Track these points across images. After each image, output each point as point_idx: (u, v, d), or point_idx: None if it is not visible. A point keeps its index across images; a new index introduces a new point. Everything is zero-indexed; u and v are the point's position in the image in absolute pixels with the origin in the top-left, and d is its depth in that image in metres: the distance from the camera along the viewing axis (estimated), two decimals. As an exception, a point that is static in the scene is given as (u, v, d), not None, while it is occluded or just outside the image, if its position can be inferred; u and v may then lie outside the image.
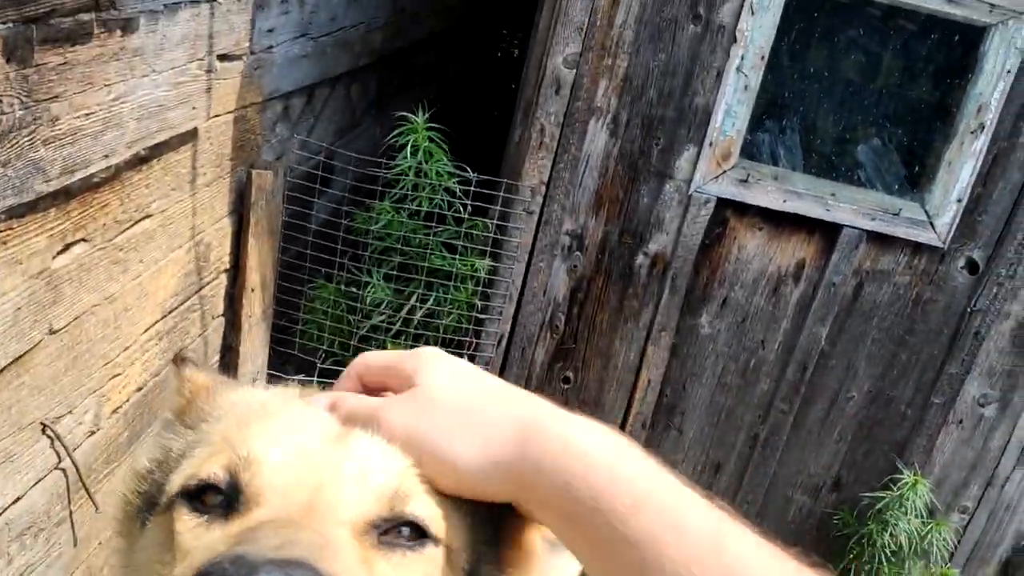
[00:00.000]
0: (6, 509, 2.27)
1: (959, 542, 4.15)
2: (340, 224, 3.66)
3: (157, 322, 3.02)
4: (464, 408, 1.04)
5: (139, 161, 2.61)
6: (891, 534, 3.87)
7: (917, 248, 3.74)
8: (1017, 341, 3.86)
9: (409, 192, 3.57)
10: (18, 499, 2.31)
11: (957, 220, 3.67)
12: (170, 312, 3.10)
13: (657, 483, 0.90)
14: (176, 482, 1.10)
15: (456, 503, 1.07)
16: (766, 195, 3.63)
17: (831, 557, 4.08)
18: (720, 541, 0.84)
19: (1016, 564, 4.20)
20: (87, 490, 2.57)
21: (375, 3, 4.77)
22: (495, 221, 3.64)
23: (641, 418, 4.03)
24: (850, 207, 3.67)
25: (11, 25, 1.86)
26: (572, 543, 0.95)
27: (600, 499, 0.88)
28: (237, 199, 3.48)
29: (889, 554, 3.88)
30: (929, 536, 3.93)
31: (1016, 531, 4.22)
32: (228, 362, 3.72)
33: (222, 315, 3.60)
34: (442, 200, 3.57)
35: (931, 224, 3.69)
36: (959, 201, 3.64)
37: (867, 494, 3.99)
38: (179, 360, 1.42)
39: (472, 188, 3.54)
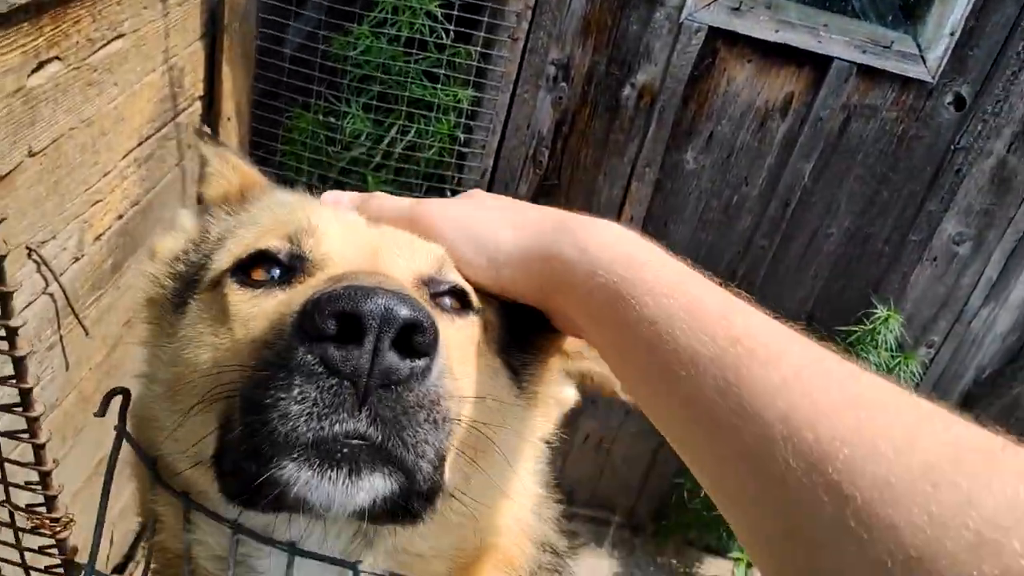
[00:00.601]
0: (-4, 332, 2.25)
1: (924, 374, 4.31)
2: (317, 50, 3.51)
3: (134, 148, 2.93)
4: (508, 207, 1.18)
5: (109, -28, 2.45)
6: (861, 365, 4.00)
7: (906, 83, 3.69)
8: (996, 180, 3.89)
9: (389, 16, 3.41)
10: (7, 322, 2.29)
11: (948, 54, 3.60)
12: (147, 138, 3.00)
13: (670, 268, 1.00)
14: (224, 259, 1.15)
15: (485, 296, 1.17)
16: (758, 24, 3.53)
17: (801, 388, 4.23)
18: (729, 316, 0.90)
19: (975, 396, 4.40)
20: (76, 315, 2.55)
21: None
22: (478, 48, 3.51)
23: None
24: (842, 39, 3.58)
25: None
26: (593, 327, 1.03)
27: (621, 283, 0.96)
28: (210, 20, 3.32)
29: (857, 384, 4.01)
30: (896, 368, 4.07)
31: (978, 365, 4.38)
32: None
33: (198, 145, 3.50)
34: (423, 25, 3.42)
35: (922, 58, 3.62)
36: (952, 34, 3.56)
37: (840, 327, 4.09)
38: (203, 135, 1.43)
39: (455, 13, 3.40)
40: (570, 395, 1.35)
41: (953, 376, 4.38)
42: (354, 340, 0.84)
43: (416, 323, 0.85)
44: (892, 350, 4.03)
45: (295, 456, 0.86)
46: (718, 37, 3.59)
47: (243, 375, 0.92)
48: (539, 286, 1.07)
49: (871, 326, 3.99)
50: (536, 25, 3.50)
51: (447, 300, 1.12)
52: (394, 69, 3.51)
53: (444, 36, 3.44)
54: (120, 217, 2.91)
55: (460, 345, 1.08)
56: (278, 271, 1.08)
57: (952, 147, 3.81)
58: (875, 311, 4.01)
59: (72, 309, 2.52)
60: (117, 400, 1.10)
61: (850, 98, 3.72)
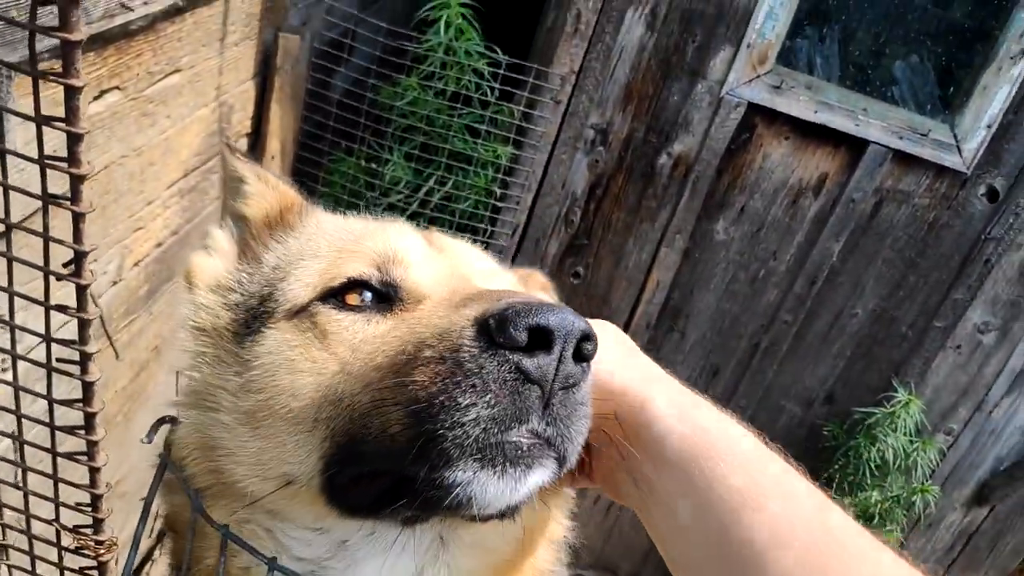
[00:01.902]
0: (32, 349, 2.29)
1: (941, 461, 4.27)
2: (364, 97, 3.60)
3: (179, 180, 3.00)
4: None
5: (174, 12, 2.54)
6: (878, 449, 3.98)
7: (940, 171, 3.73)
8: (1025, 272, 3.90)
9: (437, 70, 3.50)
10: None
11: (984, 146, 3.64)
12: (192, 170, 3.07)
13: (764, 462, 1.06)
14: (299, 290, 1.20)
15: None
16: (798, 104, 3.59)
17: (817, 467, 4.21)
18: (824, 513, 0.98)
19: (992, 486, 4.34)
20: (109, 337, 2.59)
21: None
22: (521, 108, 3.58)
23: (646, 318, 4.08)
24: (880, 123, 3.63)
25: None
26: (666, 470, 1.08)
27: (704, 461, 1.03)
28: (263, 62, 3.41)
29: (874, 468, 3.99)
30: (914, 454, 4.04)
31: (996, 455, 4.34)
32: (242, 228, 3.72)
33: (240, 180, 3.57)
34: (469, 81, 3.51)
35: (958, 148, 3.66)
36: (989, 127, 3.61)
37: (860, 409, 4.08)
38: (234, 150, 1.43)
39: (501, 71, 3.48)
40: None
41: (970, 465, 4.34)
42: (543, 349, 0.93)
43: (589, 334, 0.96)
44: (911, 435, 4.00)
45: (481, 456, 0.94)
46: (757, 113, 3.65)
47: (397, 392, 0.99)
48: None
49: (891, 409, 3.97)
50: (579, 89, 3.58)
51: None
52: (438, 122, 3.59)
53: (489, 93, 3.52)
54: (159, 245, 2.96)
55: None
56: (370, 295, 1.16)
57: (982, 237, 3.83)
58: (896, 395, 4.00)
59: (107, 333, 2.56)
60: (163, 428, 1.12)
61: (884, 182, 3.75)
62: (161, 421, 1.13)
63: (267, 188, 1.43)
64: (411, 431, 0.96)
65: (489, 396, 0.93)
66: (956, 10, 3.71)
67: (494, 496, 0.95)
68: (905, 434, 4.01)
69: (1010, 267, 3.89)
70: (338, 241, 1.27)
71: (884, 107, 3.69)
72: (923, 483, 3.98)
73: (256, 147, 3.59)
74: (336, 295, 1.16)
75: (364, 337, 1.10)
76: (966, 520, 4.49)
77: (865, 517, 3.97)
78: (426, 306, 1.10)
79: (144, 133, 2.63)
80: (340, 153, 3.76)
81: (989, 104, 3.57)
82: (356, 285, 1.17)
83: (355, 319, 1.13)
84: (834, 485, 4.07)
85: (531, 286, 1.51)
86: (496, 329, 0.94)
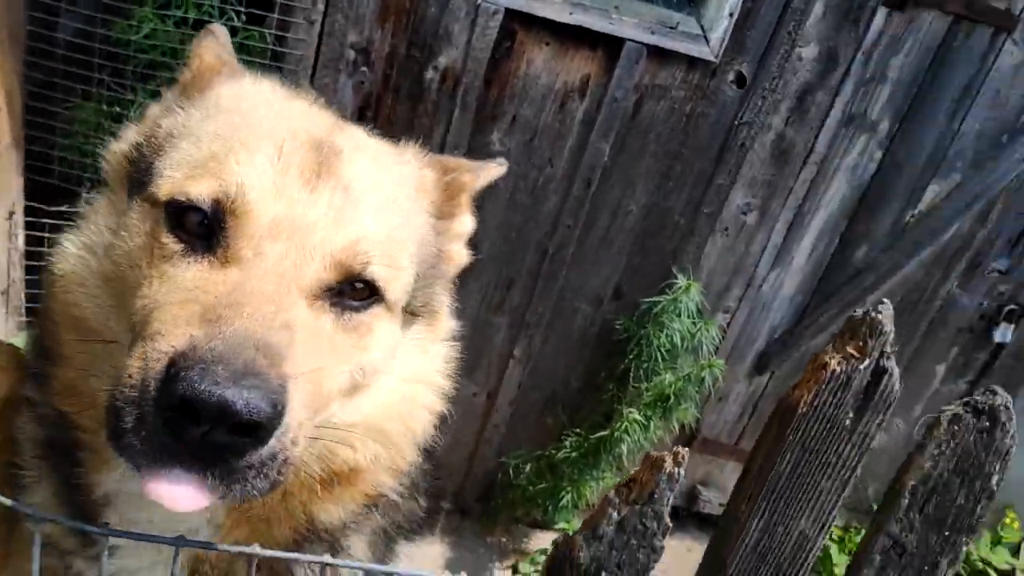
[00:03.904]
0: None
1: (723, 338, 4.58)
2: (95, 35, 3.27)
3: None
4: None
5: None
6: (666, 335, 4.20)
7: (692, 63, 3.90)
8: (776, 152, 4.18)
9: (174, -2, 3.24)
10: None
11: (729, 34, 3.83)
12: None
13: None
14: (164, 183, 1.27)
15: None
16: (553, 7, 3.61)
17: (613, 359, 4.40)
18: None
19: (769, 355, 4.72)
20: None
21: None
22: (273, 31, 3.39)
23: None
24: (632, 21, 3.74)
25: None
26: None
27: None
28: (-32, 2, 3.03)
29: (664, 353, 4.22)
30: (698, 334, 4.30)
31: (770, 327, 4.70)
32: (-25, 194, 3.33)
33: (-38, 140, 3.18)
34: (211, 7, 3.27)
35: (705, 38, 3.84)
36: (731, 15, 3.79)
37: (645, 300, 4.28)
38: (204, 29, 1.53)
39: (246, -6, 3.27)
40: (469, 221, 1.74)
41: (748, 338, 4.68)
42: (193, 422, 1.04)
43: (248, 423, 1.04)
44: (693, 317, 4.25)
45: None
46: (515, 19, 3.64)
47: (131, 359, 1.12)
48: None
49: (673, 296, 4.19)
50: (332, 7, 3.43)
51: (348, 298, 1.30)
52: (183, 54, 3.33)
53: (235, 18, 3.30)
54: None
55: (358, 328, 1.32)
56: (202, 220, 1.22)
57: (735, 123, 4.06)
58: (676, 281, 4.22)
59: None
60: None
61: (642, 79, 3.88)
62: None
63: (199, 50, 1.50)
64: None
65: (144, 433, 1.07)
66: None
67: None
68: (689, 317, 4.25)
69: (762, 149, 4.16)
70: (216, 136, 1.30)
71: (635, 4, 3.79)
72: (710, 359, 4.25)
73: (-24, 100, 3.20)
74: (176, 214, 1.23)
75: (175, 278, 1.20)
76: (751, 389, 4.86)
77: (662, 399, 4.20)
78: (230, 275, 1.18)
79: None
80: (77, 100, 3.42)
81: (728, -7, 3.76)
82: (192, 209, 1.23)
83: (181, 249, 1.22)
84: (630, 374, 4.27)
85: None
86: (162, 384, 1.05)
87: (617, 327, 4.39)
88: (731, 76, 3.96)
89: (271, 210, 1.21)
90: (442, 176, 1.61)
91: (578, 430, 4.48)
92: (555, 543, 1.24)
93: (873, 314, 1.24)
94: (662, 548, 1.08)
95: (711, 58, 3.87)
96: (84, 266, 1.36)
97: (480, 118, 3.81)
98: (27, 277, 3.41)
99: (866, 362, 1.24)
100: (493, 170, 1.72)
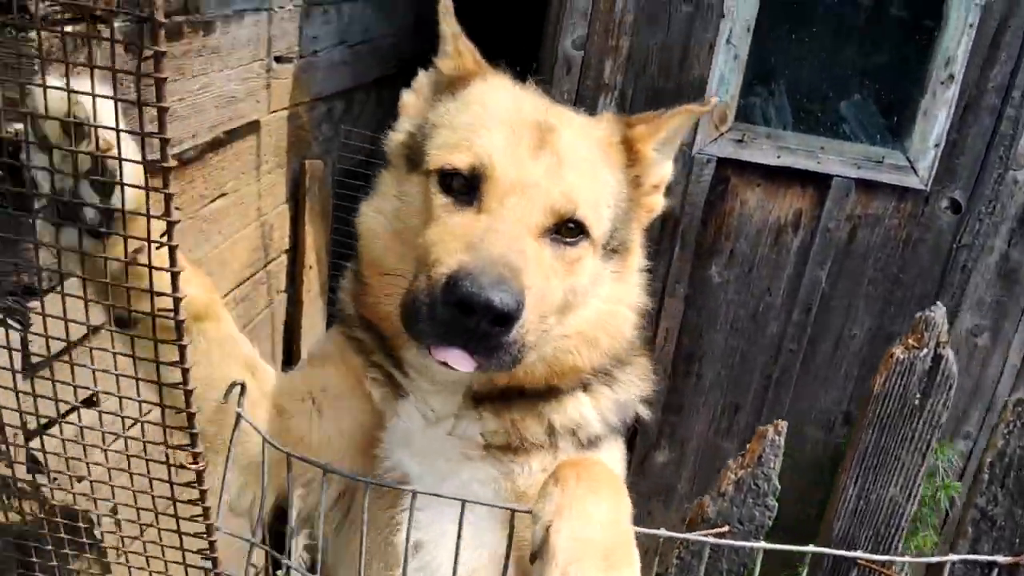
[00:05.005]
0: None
1: (965, 466, 4.50)
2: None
3: (233, 289, 3.49)
4: None
5: (218, 144, 3.09)
6: (899, 456, 4.23)
7: (903, 192, 4.14)
8: (1001, 273, 4.23)
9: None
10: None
11: (936, 164, 4.06)
12: (243, 281, 3.57)
13: None
14: (433, 158, 1.80)
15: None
16: (761, 152, 4.05)
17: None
18: None
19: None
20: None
21: (401, 14, 5.25)
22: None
23: (661, 367, 4.43)
24: (838, 158, 4.08)
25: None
26: None
27: None
28: (294, 186, 3.96)
29: (899, 475, 4.23)
30: (936, 460, 4.29)
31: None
32: (291, 334, 4.19)
33: (284, 290, 4.07)
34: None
35: (913, 169, 4.08)
36: (937, 146, 4.03)
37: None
38: (447, 11, 2.00)
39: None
40: (668, 168, 2.11)
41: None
42: (466, 314, 1.50)
43: (501, 314, 1.50)
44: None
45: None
46: (727, 166, 4.11)
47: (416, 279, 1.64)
48: None
49: (904, 417, 4.24)
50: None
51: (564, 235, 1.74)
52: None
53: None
54: (223, 346, 3.43)
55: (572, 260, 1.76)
56: (464, 182, 1.71)
57: (954, 246, 4.19)
58: (906, 403, 4.27)
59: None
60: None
61: (853, 209, 4.17)
62: (234, 385, 1.54)
63: (454, 51, 1.98)
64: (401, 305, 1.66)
65: (432, 322, 1.55)
66: (884, 50, 4.20)
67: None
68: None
69: (987, 271, 4.24)
70: (469, 123, 1.81)
71: (839, 143, 4.14)
72: (944, 481, 4.21)
73: (295, 259, 4.10)
74: (444, 177, 1.73)
75: (446, 223, 1.68)
76: None
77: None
78: (482, 220, 1.66)
79: (201, 248, 3.14)
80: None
81: (932, 126, 4.01)
82: (456, 174, 1.71)
83: (449, 202, 1.71)
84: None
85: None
86: (445, 296, 1.52)
87: (849, 450, 4.47)
88: (944, 203, 4.14)
89: (509, 173, 1.69)
90: (625, 132, 1.98)
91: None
92: (695, 504, 1.57)
93: (928, 314, 1.52)
94: (775, 507, 1.38)
95: (921, 187, 4.10)
96: (378, 223, 1.88)
97: (699, 253, 4.24)
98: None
99: (924, 351, 1.51)
100: (675, 117, 2.00)
